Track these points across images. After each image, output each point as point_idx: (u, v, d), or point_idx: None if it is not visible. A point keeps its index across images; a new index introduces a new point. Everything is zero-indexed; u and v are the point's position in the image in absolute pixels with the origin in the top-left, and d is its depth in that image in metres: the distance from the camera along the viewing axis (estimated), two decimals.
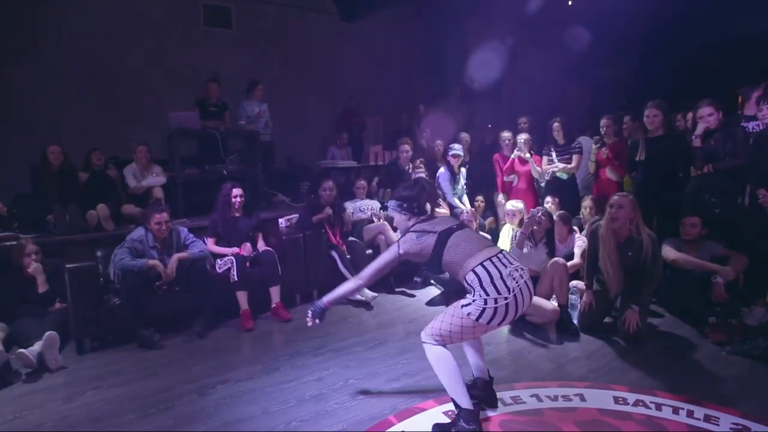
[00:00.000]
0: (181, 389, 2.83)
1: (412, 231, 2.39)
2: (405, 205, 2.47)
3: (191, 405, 2.66)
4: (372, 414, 2.49)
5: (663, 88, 5.74)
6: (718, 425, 2.28)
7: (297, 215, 4.67)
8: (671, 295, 3.70)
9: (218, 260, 3.99)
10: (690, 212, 3.74)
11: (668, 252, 3.57)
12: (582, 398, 2.56)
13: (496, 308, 2.14)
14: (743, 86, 4.65)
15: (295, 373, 2.99)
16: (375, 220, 4.82)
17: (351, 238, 4.63)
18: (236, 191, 4.11)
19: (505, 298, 2.14)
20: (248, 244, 4.06)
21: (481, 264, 2.20)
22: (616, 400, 2.54)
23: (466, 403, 2.21)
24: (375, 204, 5.08)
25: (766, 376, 2.77)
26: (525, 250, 3.77)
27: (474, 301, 2.18)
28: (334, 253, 4.35)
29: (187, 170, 5.23)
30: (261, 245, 4.18)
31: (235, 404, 2.65)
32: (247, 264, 3.97)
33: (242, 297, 3.85)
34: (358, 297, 4.16)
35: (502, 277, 2.16)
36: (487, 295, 2.15)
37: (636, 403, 2.50)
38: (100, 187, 4.72)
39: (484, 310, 2.15)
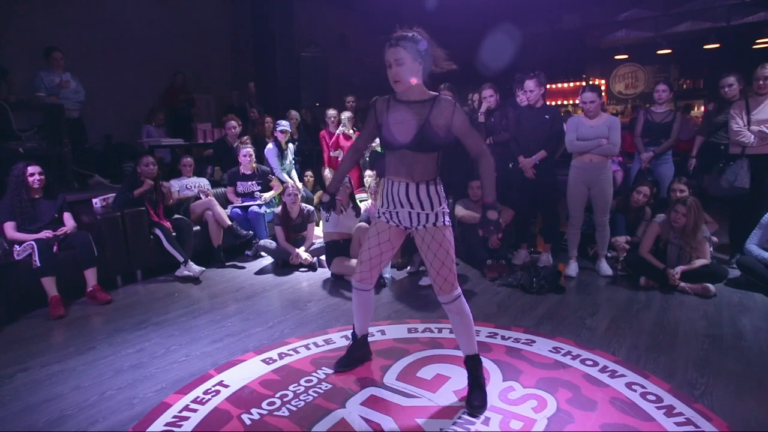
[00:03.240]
0: None
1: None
2: (423, 52, 2.03)
3: None
4: (192, 371, 2.62)
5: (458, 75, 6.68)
6: (478, 336, 2.93)
7: (114, 195, 4.41)
8: (461, 246, 4.45)
9: (16, 246, 3.62)
10: (476, 177, 4.52)
11: (458, 210, 4.31)
12: (383, 333, 3.04)
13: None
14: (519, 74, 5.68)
15: (112, 349, 2.94)
16: (202, 196, 4.79)
17: (177, 216, 4.55)
18: (32, 169, 3.74)
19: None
20: (49, 232, 3.73)
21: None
22: (410, 330, 3.07)
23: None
24: (202, 181, 5.03)
25: (517, 297, 3.60)
26: (341, 215, 4.17)
27: (443, 210, 2.17)
28: (158, 231, 4.25)
29: None
30: (71, 227, 3.88)
31: (39, 388, 2.53)
32: (54, 248, 3.68)
33: (49, 283, 3.56)
34: (185, 273, 4.16)
35: None
36: (443, 201, 2.19)
37: (424, 330, 3.06)
38: None
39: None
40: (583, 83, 10.42)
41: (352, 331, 2.63)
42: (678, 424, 2.05)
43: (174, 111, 6.88)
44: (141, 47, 7.23)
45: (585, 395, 2.27)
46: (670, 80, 8.51)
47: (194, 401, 2.32)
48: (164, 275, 4.32)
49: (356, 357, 2.61)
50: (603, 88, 10.27)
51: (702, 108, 10.16)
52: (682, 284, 3.55)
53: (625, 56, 9.93)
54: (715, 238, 4.14)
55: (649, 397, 2.25)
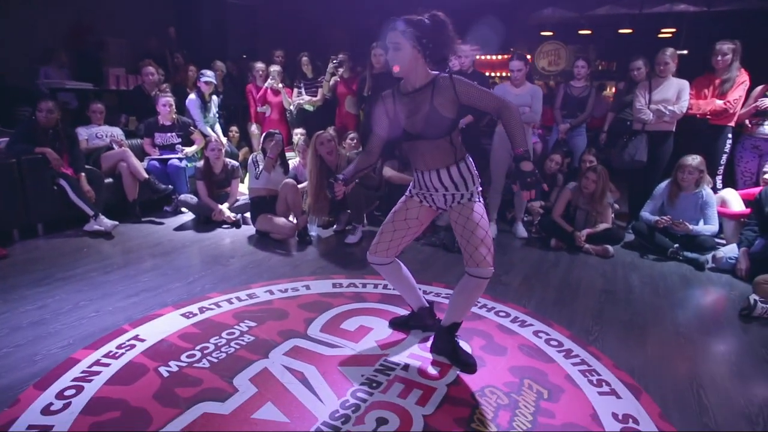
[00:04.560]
0: None
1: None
2: (424, 40, 1.94)
3: None
4: (104, 327, 2.48)
5: None
6: (395, 290, 3.01)
7: (6, 139, 3.95)
8: (388, 207, 4.53)
9: None
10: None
11: (386, 170, 4.35)
12: (307, 287, 3.05)
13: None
14: None
15: (7, 306, 2.70)
16: (115, 147, 4.43)
17: (87, 167, 4.18)
18: None
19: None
20: None
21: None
22: (334, 285, 3.11)
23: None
24: (115, 130, 4.64)
25: (440, 256, 3.75)
26: (271, 172, 4.07)
27: (477, 188, 2.15)
28: (62, 182, 3.88)
29: None
30: None
31: None
32: None
33: None
34: (96, 227, 3.87)
35: None
36: (476, 180, 2.15)
37: (349, 285, 3.11)
38: None
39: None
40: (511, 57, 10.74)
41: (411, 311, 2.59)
42: (574, 364, 2.28)
43: (81, 53, 6.20)
44: None
45: (497, 343, 2.45)
46: (588, 59, 9.05)
47: (106, 356, 2.21)
48: (71, 230, 3.99)
49: (425, 324, 2.53)
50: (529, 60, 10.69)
51: (614, 89, 10.90)
52: (587, 246, 3.89)
53: (550, 33, 10.35)
54: (617, 205, 4.55)
55: (552, 342, 2.47)
